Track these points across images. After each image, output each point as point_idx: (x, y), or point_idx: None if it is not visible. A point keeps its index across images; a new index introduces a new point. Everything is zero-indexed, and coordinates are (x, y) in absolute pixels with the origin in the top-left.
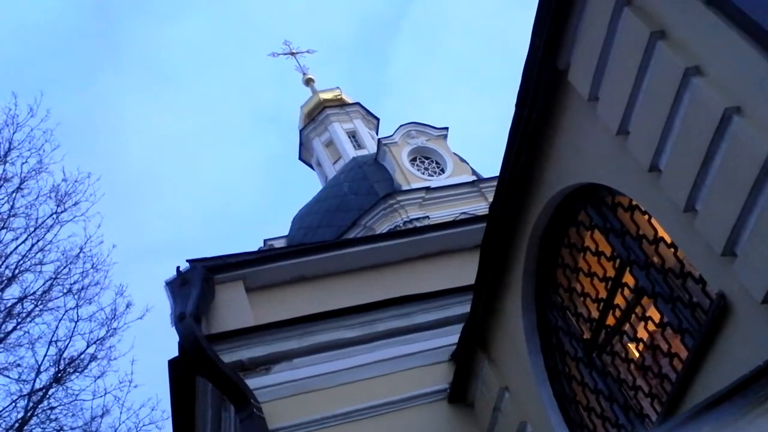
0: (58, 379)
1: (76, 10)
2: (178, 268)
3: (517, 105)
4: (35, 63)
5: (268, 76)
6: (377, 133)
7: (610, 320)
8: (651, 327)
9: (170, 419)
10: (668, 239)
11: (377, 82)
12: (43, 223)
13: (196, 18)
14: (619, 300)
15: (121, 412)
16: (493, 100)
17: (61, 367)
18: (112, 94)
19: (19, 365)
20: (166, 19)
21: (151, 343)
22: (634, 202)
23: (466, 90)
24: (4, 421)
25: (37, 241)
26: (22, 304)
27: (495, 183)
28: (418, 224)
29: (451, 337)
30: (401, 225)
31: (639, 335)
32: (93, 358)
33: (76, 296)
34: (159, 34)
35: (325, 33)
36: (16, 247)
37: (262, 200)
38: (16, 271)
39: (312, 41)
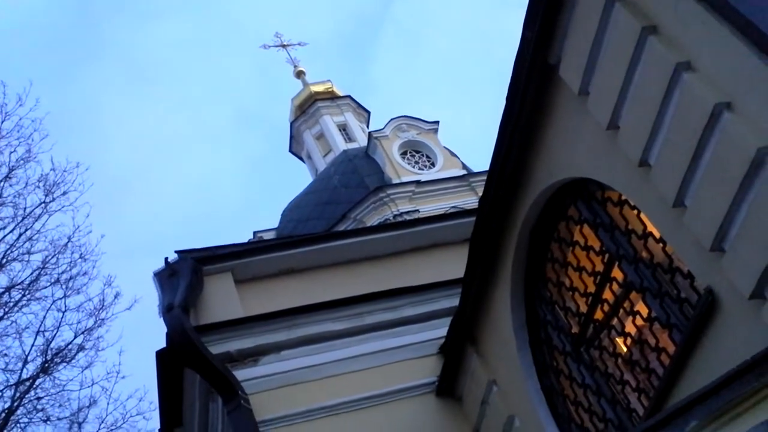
0: (45, 370)
1: (57, 9)
2: (166, 259)
3: (508, 99)
4: (17, 62)
5: (257, 72)
6: (368, 126)
7: (599, 315)
8: (639, 322)
9: (158, 410)
10: (657, 234)
11: (362, 80)
12: (31, 212)
13: (178, 17)
14: (607, 295)
15: (108, 403)
16: (480, 97)
17: (49, 358)
18: (96, 93)
19: (6, 355)
20: (148, 18)
21: (139, 334)
22: (623, 197)
23: (452, 87)
24: None
25: (25, 230)
26: (10, 294)
27: (485, 177)
28: (407, 218)
29: (439, 330)
30: (391, 218)
31: (627, 330)
32: (80, 348)
33: (64, 286)
34: (142, 33)
35: (308, 31)
36: (4, 236)
37: (251, 193)
38: (4, 260)
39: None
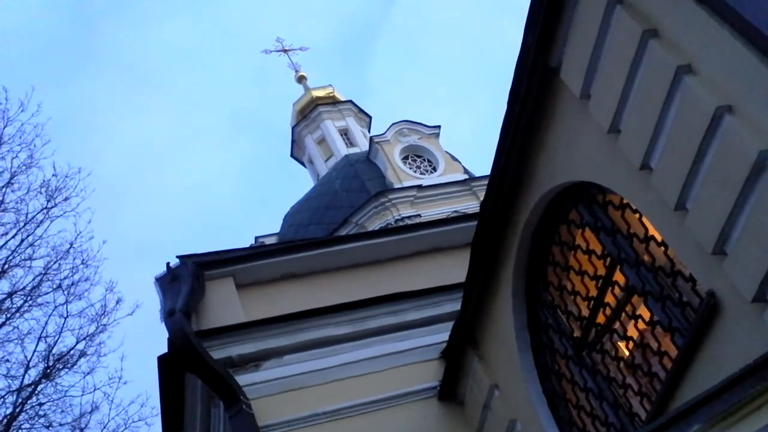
0: (47, 375)
1: (56, 14)
2: (168, 263)
3: (509, 102)
4: (17, 67)
5: (258, 77)
6: (369, 131)
7: (600, 318)
8: (641, 325)
9: (159, 416)
10: (659, 237)
11: (363, 84)
12: (33, 218)
13: (179, 21)
14: (609, 298)
15: (110, 409)
16: (481, 101)
17: (50, 363)
18: (96, 98)
19: (8, 361)
20: (148, 23)
21: (140, 340)
22: (625, 201)
23: (453, 91)
24: None
25: (27, 236)
26: (12, 300)
27: (486, 181)
28: (409, 222)
29: (441, 334)
30: (392, 223)
31: (629, 333)
32: (82, 354)
33: (65, 292)
34: (142, 37)
35: (309, 36)
36: (6, 242)
37: (252, 198)
38: (6, 266)
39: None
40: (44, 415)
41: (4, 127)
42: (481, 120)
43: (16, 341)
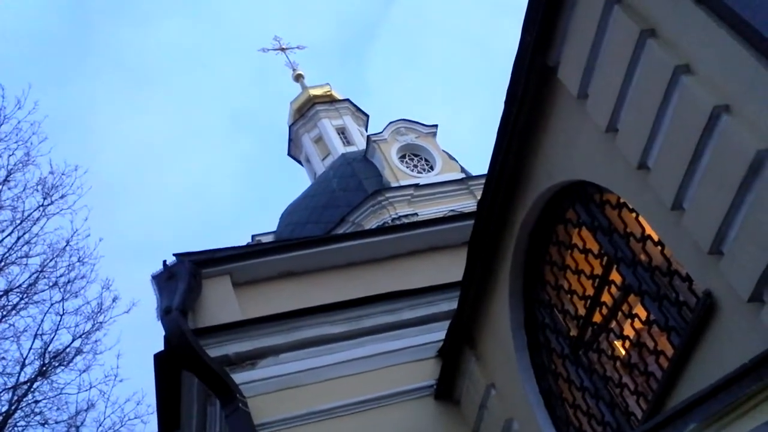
0: (43, 373)
1: (55, 13)
2: (164, 261)
3: (507, 102)
4: (15, 65)
5: (255, 75)
6: (366, 130)
7: (597, 318)
8: (637, 324)
9: (155, 414)
10: (655, 237)
11: (360, 83)
12: (29, 215)
13: (177, 20)
14: (605, 297)
15: (106, 407)
16: (478, 101)
17: (46, 361)
18: (93, 96)
19: (3, 358)
20: (146, 21)
21: (137, 338)
22: (622, 200)
23: (451, 90)
24: None
25: (24, 233)
26: (8, 297)
27: (484, 181)
28: (406, 221)
29: (438, 333)
30: (389, 222)
31: (625, 333)
32: (78, 351)
33: (62, 289)
34: (140, 36)
35: (307, 34)
36: (2, 240)
37: (249, 197)
38: (2, 263)
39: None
40: (40, 413)
41: (0, 125)
42: (479, 119)
43: (12, 339)
